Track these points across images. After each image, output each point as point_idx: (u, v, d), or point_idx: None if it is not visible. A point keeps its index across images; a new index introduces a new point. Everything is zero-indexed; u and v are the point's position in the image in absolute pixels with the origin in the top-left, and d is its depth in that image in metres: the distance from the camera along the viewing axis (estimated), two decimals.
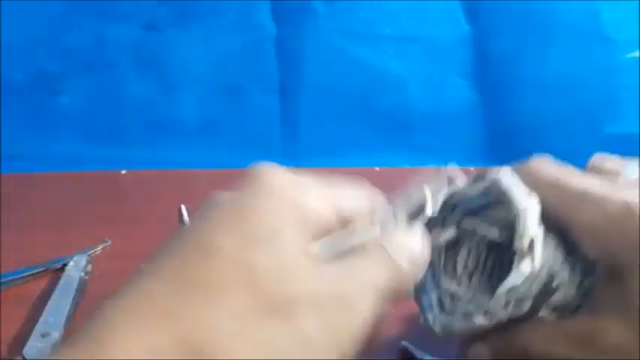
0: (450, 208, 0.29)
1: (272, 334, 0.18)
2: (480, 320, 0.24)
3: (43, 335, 0.36)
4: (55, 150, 0.80)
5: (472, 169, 0.89)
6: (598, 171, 0.33)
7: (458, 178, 0.29)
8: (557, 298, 0.24)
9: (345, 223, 0.23)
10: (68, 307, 0.40)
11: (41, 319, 0.38)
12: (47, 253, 0.47)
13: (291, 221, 0.20)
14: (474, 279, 0.29)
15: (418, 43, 0.84)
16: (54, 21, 0.78)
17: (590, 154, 0.38)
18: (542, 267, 0.23)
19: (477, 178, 0.27)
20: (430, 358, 0.33)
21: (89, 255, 0.48)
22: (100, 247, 0.50)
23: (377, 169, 0.77)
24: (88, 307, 0.41)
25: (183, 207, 0.61)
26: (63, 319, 0.38)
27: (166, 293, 0.18)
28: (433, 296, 0.28)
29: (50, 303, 0.40)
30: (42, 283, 0.44)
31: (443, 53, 0.85)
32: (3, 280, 0.43)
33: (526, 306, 0.24)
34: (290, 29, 0.82)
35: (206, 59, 0.82)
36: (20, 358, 0.34)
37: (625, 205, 0.23)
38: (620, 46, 0.83)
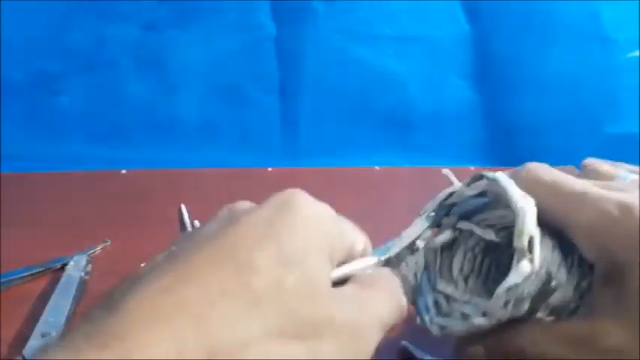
0: (447, 209, 0.29)
1: (294, 355, 0.18)
2: (479, 321, 0.24)
3: (43, 335, 0.36)
4: (55, 150, 0.80)
5: (472, 168, 0.89)
6: (593, 174, 0.33)
7: (454, 180, 0.29)
8: (555, 299, 0.24)
9: (353, 253, 0.24)
10: (68, 307, 0.40)
11: (41, 319, 0.38)
12: (47, 253, 0.47)
13: (319, 248, 0.21)
14: (470, 282, 0.29)
15: (418, 43, 0.84)
16: (54, 21, 0.78)
17: (590, 154, 0.38)
18: (540, 267, 0.23)
19: (474, 179, 0.27)
20: (430, 358, 0.33)
21: (89, 255, 0.48)
22: (100, 247, 0.50)
23: (377, 168, 0.77)
24: (88, 307, 0.41)
25: (183, 207, 0.61)
26: (63, 319, 0.38)
27: (200, 299, 0.18)
28: (429, 298, 0.28)
29: (50, 303, 0.40)
30: (42, 283, 0.44)
31: (443, 53, 0.85)
32: (3, 280, 0.43)
33: (524, 306, 0.24)
34: (290, 29, 0.83)
35: (206, 59, 0.82)
36: (20, 358, 0.34)
37: (623, 205, 0.23)
38: (620, 46, 0.83)
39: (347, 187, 0.70)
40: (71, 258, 0.47)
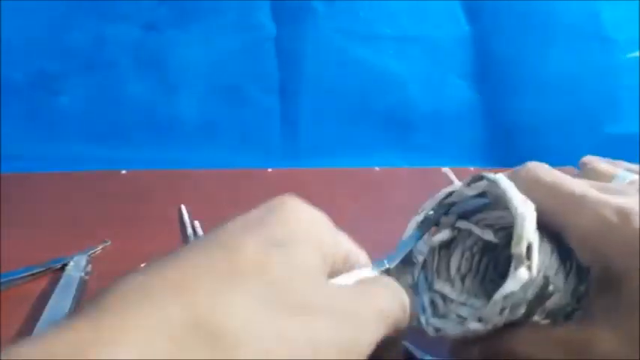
0: (446, 208, 0.29)
1: (283, 328, 0.18)
2: (474, 326, 0.24)
3: None
4: (55, 150, 0.80)
5: (472, 169, 0.89)
6: (592, 173, 0.33)
7: (454, 179, 0.29)
8: (551, 303, 0.24)
9: (350, 264, 0.24)
10: (68, 307, 0.40)
11: (41, 319, 0.38)
12: (47, 253, 0.47)
13: (309, 240, 0.22)
14: (467, 281, 0.29)
15: (418, 43, 0.84)
16: (54, 21, 0.78)
17: (590, 154, 0.38)
18: (538, 272, 0.23)
19: (474, 179, 0.27)
20: (430, 358, 0.33)
21: (89, 255, 0.48)
22: (100, 247, 0.50)
23: (377, 169, 0.77)
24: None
25: (183, 207, 0.61)
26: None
27: (186, 277, 0.18)
28: (425, 298, 0.28)
29: (50, 303, 0.40)
30: (42, 283, 0.44)
31: (443, 53, 0.85)
32: (3, 280, 0.43)
33: (520, 311, 0.24)
34: (290, 29, 0.83)
35: (206, 59, 0.82)
36: None
37: (621, 211, 0.23)
38: (620, 46, 0.83)
39: (347, 187, 0.70)
40: (71, 258, 0.47)
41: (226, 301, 0.18)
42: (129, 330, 0.16)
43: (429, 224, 0.29)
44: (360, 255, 0.25)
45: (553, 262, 0.24)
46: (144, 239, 0.53)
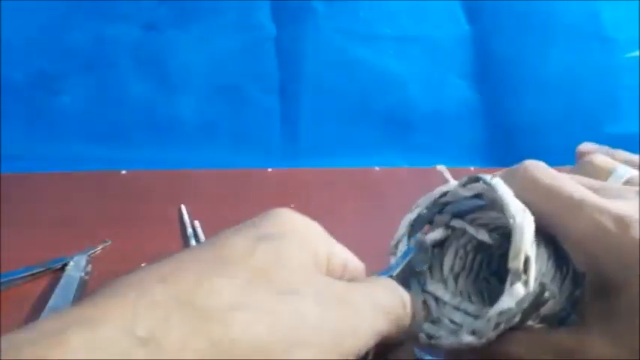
0: (440, 207, 0.28)
1: (270, 307, 0.18)
2: (468, 339, 0.24)
3: None
4: (55, 150, 0.80)
5: (472, 168, 0.89)
6: (590, 167, 0.32)
7: (449, 177, 0.28)
8: (546, 308, 0.24)
9: (345, 270, 0.24)
10: None
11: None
12: (47, 253, 0.47)
13: (302, 246, 0.22)
14: (460, 280, 0.28)
15: (418, 43, 0.84)
16: (54, 21, 0.78)
17: None
18: (534, 280, 0.22)
19: (470, 181, 0.26)
20: (430, 357, 0.33)
21: (89, 255, 0.48)
22: (100, 247, 0.50)
23: (377, 168, 0.77)
24: None
25: (183, 207, 0.61)
26: None
27: (170, 269, 0.19)
28: (418, 300, 0.27)
29: (50, 303, 0.40)
30: (42, 283, 0.44)
31: (443, 53, 0.85)
32: (3, 280, 0.43)
33: (515, 320, 0.23)
34: (290, 29, 0.83)
35: (206, 59, 0.82)
36: None
37: (620, 219, 0.23)
38: (620, 46, 0.83)
39: (347, 187, 0.70)
40: (71, 258, 0.47)
41: (210, 283, 0.18)
42: (111, 309, 0.16)
43: (422, 222, 0.29)
44: (359, 266, 0.25)
45: (549, 268, 0.24)
46: (144, 239, 0.53)
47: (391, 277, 0.26)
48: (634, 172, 0.31)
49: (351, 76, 0.84)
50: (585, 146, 0.38)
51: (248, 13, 0.82)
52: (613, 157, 0.35)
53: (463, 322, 0.26)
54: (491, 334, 0.23)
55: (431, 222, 0.29)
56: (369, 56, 0.84)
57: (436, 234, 0.28)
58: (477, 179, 0.26)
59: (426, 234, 0.29)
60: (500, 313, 0.22)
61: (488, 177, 0.25)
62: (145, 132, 0.82)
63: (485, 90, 0.87)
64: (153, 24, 0.81)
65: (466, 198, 0.27)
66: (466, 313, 0.26)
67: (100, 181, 0.70)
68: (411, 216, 0.28)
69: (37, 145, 0.80)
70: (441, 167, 0.29)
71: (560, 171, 0.32)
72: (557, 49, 0.84)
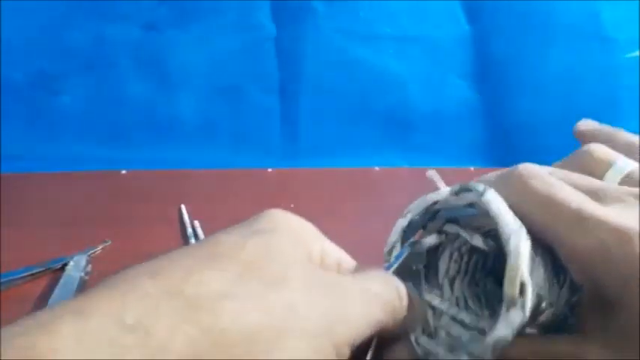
0: (432, 214, 0.28)
1: (260, 297, 0.18)
2: (464, 358, 0.23)
3: None
4: (55, 150, 0.80)
5: (472, 169, 0.89)
6: (588, 157, 0.31)
7: (440, 183, 0.28)
8: (543, 317, 0.23)
9: (340, 269, 0.24)
10: None
11: None
12: (47, 253, 0.47)
13: (293, 240, 0.22)
14: (456, 284, 0.28)
15: (418, 43, 0.84)
16: (54, 21, 0.78)
17: None
18: (530, 300, 0.22)
19: (461, 190, 0.25)
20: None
21: (89, 255, 0.48)
22: (100, 247, 0.50)
23: (377, 169, 0.77)
24: None
25: (183, 207, 0.61)
26: None
27: (161, 266, 0.19)
28: (415, 295, 0.27)
29: (50, 303, 0.40)
30: (42, 283, 0.44)
31: (443, 53, 0.85)
32: (3, 280, 0.43)
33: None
34: (290, 29, 0.83)
35: (206, 59, 0.82)
36: None
37: (620, 234, 0.22)
38: (620, 46, 0.83)
39: (347, 187, 0.70)
40: (71, 258, 0.47)
41: (200, 275, 0.18)
42: (102, 301, 0.17)
43: (414, 228, 0.28)
44: (353, 265, 0.25)
45: (546, 279, 0.23)
46: (144, 239, 0.53)
47: None
48: (634, 165, 0.30)
49: (351, 76, 0.84)
50: (585, 124, 0.37)
51: (248, 13, 0.82)
52: (614, 138, 0.34)
53: (460, 336, 0.26)
54: (489, 356, 0.23)
55: (424, 227, 0.28)
56: (369, 56, 0.84)
57: (430, 240, 0.28)
58: (468, 189, 0.25)
59: (419, 239, 0.28)
60: (497, 341, 0.22)
61: (480, 187, 0.24)
62: (145, 132, 0.82)
63: (485, 90, 0.87)
64: (153, 24, 0.81)
65: (459, 207, 0.26)
66: (463, 325, 0.26)
67: (100, 181, 0.70)
68: (403, 222, 0.27)
69: (37, 145, 0.80)
70: (431, 173, 0.28)
71: (558, 160, 0.32)
72: (557, 50, 0.84)
